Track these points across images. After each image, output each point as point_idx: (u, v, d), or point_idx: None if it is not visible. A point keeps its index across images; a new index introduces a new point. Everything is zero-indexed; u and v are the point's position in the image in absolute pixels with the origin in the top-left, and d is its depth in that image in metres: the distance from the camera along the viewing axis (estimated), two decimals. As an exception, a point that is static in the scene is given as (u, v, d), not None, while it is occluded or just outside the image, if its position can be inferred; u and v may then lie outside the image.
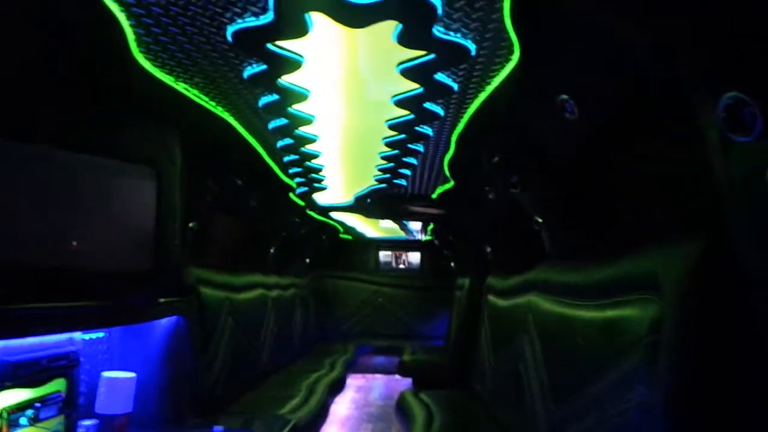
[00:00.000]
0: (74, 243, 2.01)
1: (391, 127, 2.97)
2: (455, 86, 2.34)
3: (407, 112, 2.71)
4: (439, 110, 2.66)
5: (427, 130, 3.01)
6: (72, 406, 2.08)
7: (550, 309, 2.82)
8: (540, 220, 3.05)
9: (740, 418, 1.37)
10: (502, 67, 2.14)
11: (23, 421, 1.82)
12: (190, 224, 3.50)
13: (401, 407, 4.26)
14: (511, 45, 1.95)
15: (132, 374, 2.98)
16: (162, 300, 2.78)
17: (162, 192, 2.41)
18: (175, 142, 2.50)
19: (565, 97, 2.08)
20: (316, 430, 3.91)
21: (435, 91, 2.40)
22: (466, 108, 2.65)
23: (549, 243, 3.08)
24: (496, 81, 2.26)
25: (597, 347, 2.08)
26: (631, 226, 2.20)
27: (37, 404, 1.88)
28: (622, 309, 1.92)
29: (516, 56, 2.04)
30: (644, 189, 2.07)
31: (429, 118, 2.74)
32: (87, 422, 2.74)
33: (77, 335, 2.16)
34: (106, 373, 2.92)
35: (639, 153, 2.02)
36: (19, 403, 1.81)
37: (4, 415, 1.75)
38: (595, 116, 2.11)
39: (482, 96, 2.43)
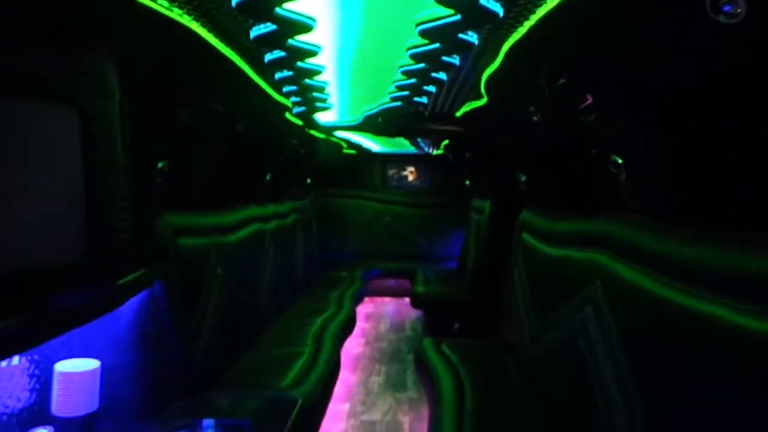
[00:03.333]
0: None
1: (424, 34, 2.10)
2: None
3: (452, 11, 1.85)
4: (498, 8, 1.80)
5: (473, 36, 2.15)
6: None
7: (632, 281, 2.12)
8: (619, 161, 2.27)
9: None
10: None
11: None
12: (159, 165, 2.73)
13: (421, 362, 3.71)
14: None
15: (95, 362, 2.36)
16: (120, 282, 2.09)
17: (91, 139, 1.62)
18: (109, 68, 1.67)
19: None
20: (326, 402, 3.39)
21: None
22: (536, 9, 1.80)
23: (629, 192, 2.33)
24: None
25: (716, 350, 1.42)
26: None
27: None
28: None
29: None
30: None
31: (482, 19, 1.88)
32: (41, 431, 2.17)
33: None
34: (61, 365, 2.29)
35: None
36: None
37: None
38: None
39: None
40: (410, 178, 8.59)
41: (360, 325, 6.39)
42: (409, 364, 4.97)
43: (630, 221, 2.31)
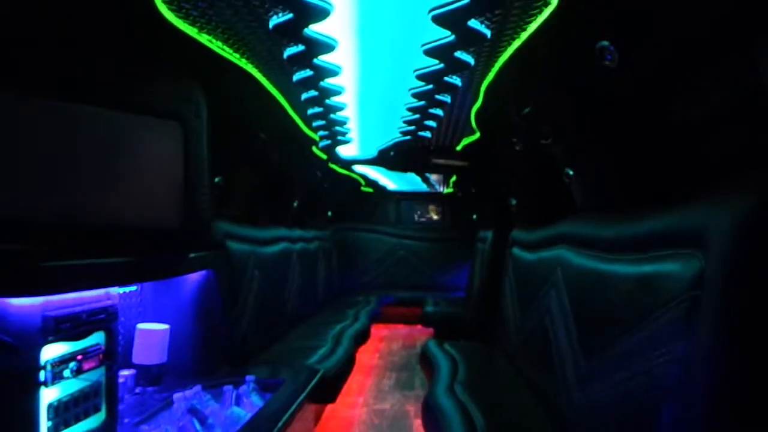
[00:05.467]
0: (107, 199, 2.02)
1: (419, 78, 2.88)
2: (488, 33, 2.24)
3: (436, 61, 2.62)
4: (469, 59, 2.57)
5: (456, 80, 2.91)
6: (112, 358, 2.13)
7: (581, 263, 2.78)
8: (571, 173, 2.97)
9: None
10: (540, 11, 2.04)
11: (67, 373, 1.87)
12: (216, 179, 3.49)
13: (425, 356, 4.32)
14: (551, -12, 1.86)
15: (165, 326, 3.06)
16: (192, 255, 2.81)
17: (189, 147, 2.38)
18: (199, 96, 2.45)
19: (605, 43, 1.98)
20: (344, 379, 4.00)
21: (467, 39, 2.30)
22: (498, 56, 2.55)
23: (581, 196, 3.01)
24: (533, 26, 2.16)
25: (632, 302, 2.05)
26: (672, 179, 2.13)
27: (80, 357, 1.93)
28: (661, 263, 1.87)
29: (555, 1, 1.94)
30: (689, 141, 1.99)
31: (459, 67, 2.65)
32: (125, 372, 2.84)
33: (113, 290, 2.19)
34: (141, 325, 3.00)
35: (683, 103, 1.93)
36: (62, 356, 1.85)
37: (49, 367, 1.80)
38: (636, 65, 2.02)
39: (516, 43, 2.33)
40: (423, 214, 9.32)
41: (374, 344, 7.00)
42: (417, 371, 5.54)
43: (579, 218, 2.98)
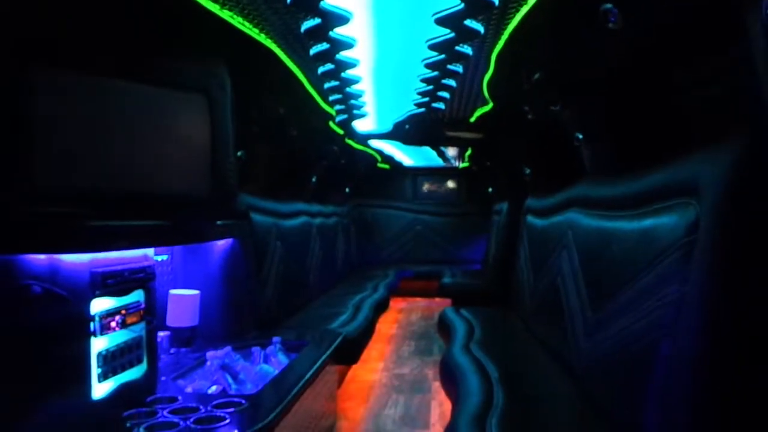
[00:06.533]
0: (142, 167, 2.18)
1: (432, 48, 2.98)
2: (496, 1, 2.34)
3: (448, 31, 2.72)
4: (479, 27, 2.66)
5: (467, 49, 3.01)
6: (151, 314, 2.32)
7: (589, 224, 2.89)
8: (580, 137, 3.07)
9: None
10: (544, -22, 2.13)
11: (113, 324, 2.05)
12: (239, 153, 3.65)
13: (443, 322, 4.48)
14: (554, -46, 1.94)
15: (196, 291, 3.25)
16: (219, 222, 2.98)
17: (215, 120, 2.53)
18: (223, 71, 2.59)
19: (608, 6, 2.07)
20: (364, 343, 4.18)
21: (476, 7, 2.40)
22: (507, 24, 2.65)
23: (589, 159, 3.11)
24: (538, -7, 2.25)
25: (634, 255, 2.16)
26: (672, 137, 2.22)
27: (123, 311, 2.11)
28: (660, 216, 1.99)
29: (558, -34, 2.03)
30: (687, 101, 2.09)
31: (470, 35, 2.74)
32: (161, 333, 3.04)
33: (150, 252, 2.37)
34: (174, 291, 3.19)
35: (683, 66, 2.02)
36: (108, 309, 2.03)
37: (97, 319, 1.99)
38: (640, 26, 2.10)
39: (524, 9, 2.42)
40: (440, 189, 9.44)
41: (393, 315, 7.19)
42: (436, 339, 5.72)
43: (588, 181, 3.09)
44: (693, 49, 1.98)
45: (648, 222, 2.11)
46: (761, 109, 1.39)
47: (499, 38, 2.86)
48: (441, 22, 2.58)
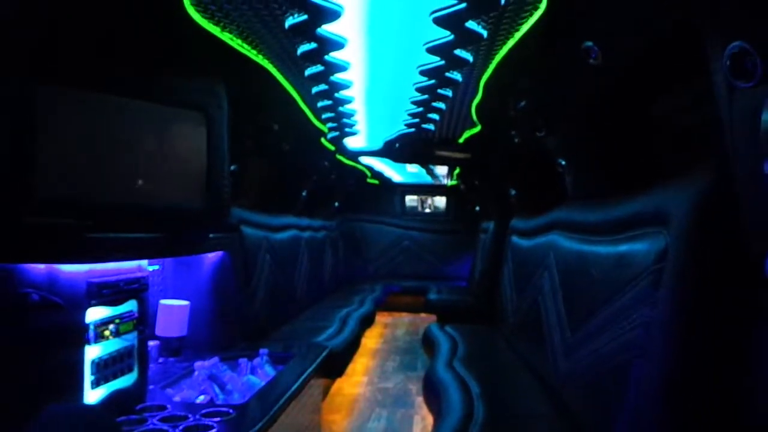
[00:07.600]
0: (140, 181, 2.25)
1: (423, 73, 3.10)
2: (485, 33, 2.46)
3: (438, 59, 2.84)
4: (468, 56, 2.79)
5: (457, 75, 3.13)
6: (143, 324, 2.38)
7: (570, 246, 3.01)
8: (563, 163, 3.19)
9: (732, 332, 1.57)
10: (530, 15, 2.26)
11: (107, 333, 2.12)
12: (232, 167, 3.73)
13: (428, 338, 4.56)
14: (539, -6, 2.07)
15: (186, 302, 3.31)
16: (212, 236, 3.05)
17: (211, 136, 2.62)
18: (221, 89, 2.68)
19: (589, 44, 2.20)
20: (350, 357, 4.24)
21: (465, 38, 2.52)
22: (495, 54, 2.77)
23: (571, 184, 3.24)
24: (524, 28, 2.37)
25: (610, 279, 2.27)
26: (647, 167, 2.35)
27: (117, 320, 2.18)
28: (634, 242, 2.10)
29: (543, 4, 2.15)
30: (661, 133, 2.21)
31: (459, 63, 2.87)
32: (151, 342, 3.09)
33: (144, 263, 2.44)
34: (164, 301, 3.25)
35: (657, 99, 2.15)
36: (103, 318, 2.10)
37: (92, 327, 2.05)
38: (617, 63, 2.23)
39: (510, 43, 2.55)
40: (428, 206, 9.56)
41: (379, 330, 7.25)
42: (420, 355, 5.78)
43: (570, 205, 3.21)
44: (665, 83, 2.12)
45: (623, 248, 2.22)
46: (723, 141, 1.50)
47: (487, 67, 2.98)
48: (432, 51, 2.70)
